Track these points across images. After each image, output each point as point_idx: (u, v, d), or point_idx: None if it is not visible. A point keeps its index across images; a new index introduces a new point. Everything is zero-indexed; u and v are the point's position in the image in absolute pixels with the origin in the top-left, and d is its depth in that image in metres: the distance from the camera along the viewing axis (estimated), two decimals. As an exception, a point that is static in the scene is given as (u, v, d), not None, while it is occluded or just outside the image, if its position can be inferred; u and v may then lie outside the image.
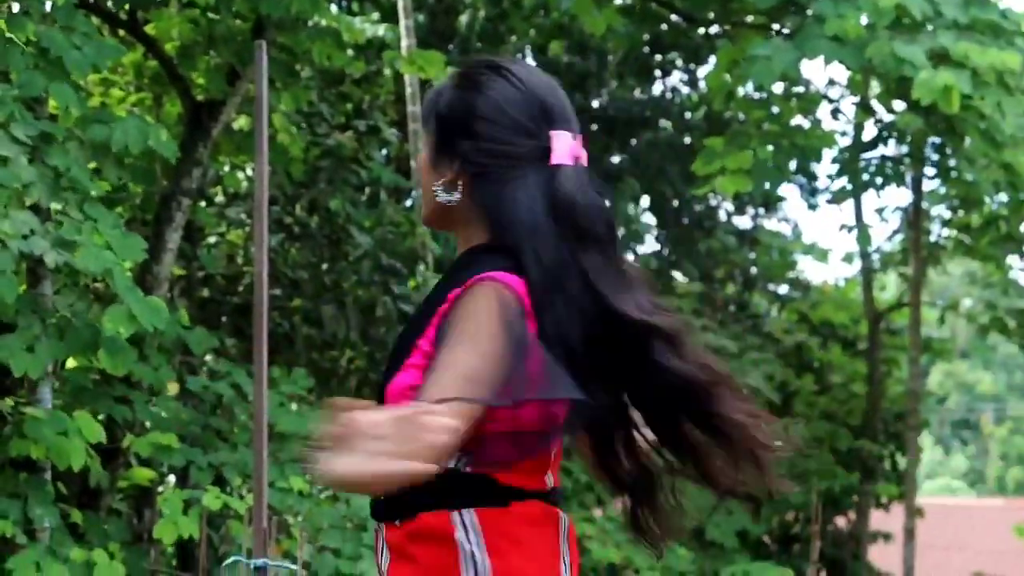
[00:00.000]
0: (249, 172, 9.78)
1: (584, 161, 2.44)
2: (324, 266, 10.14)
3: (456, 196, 2.41)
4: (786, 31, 9.74)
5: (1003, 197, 10.38)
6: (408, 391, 2.27)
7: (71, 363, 6.81)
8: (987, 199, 10.62)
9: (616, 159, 15.00)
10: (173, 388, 7.11)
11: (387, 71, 10.63)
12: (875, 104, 11.58)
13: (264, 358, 4.20)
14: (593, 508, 10.97)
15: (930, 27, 8.58)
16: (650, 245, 15.67)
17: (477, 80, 2.45)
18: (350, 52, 9.24)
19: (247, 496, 6.09)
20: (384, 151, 11.48)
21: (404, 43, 10.49)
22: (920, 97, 8.22)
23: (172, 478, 8.12)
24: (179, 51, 7.94)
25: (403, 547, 2.35)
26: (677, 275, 15.74)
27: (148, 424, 6.95)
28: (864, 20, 8.53)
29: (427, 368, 2.26)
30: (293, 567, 4.68)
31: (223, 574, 6.46)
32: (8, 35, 3.58)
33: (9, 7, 5.86)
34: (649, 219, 15.74)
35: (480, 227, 2.40)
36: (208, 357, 7.97)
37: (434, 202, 2.44)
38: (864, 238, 13.53)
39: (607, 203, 2.47)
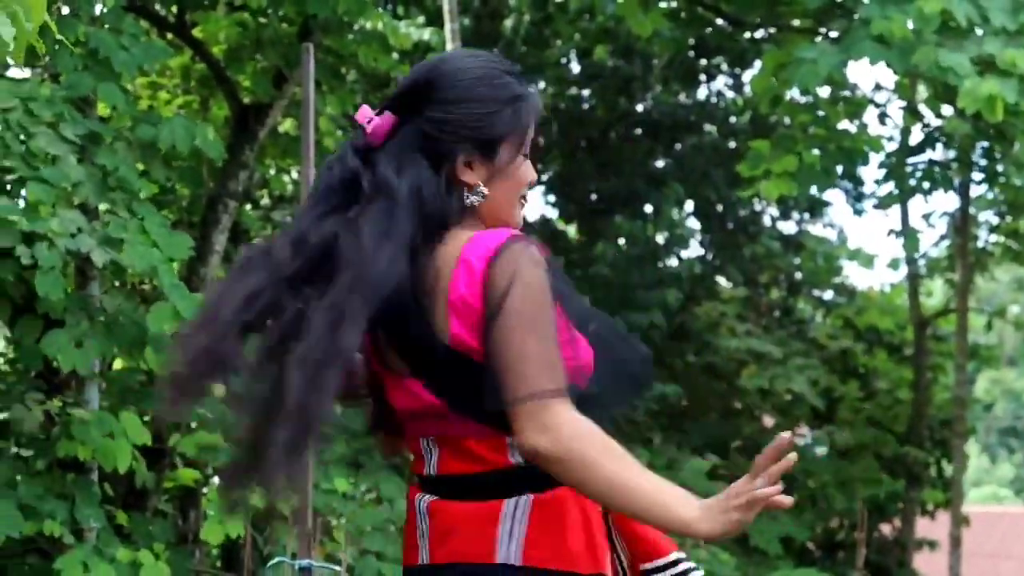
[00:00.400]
0: (295, 175, 9.81)
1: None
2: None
3: None
4: (832, 35, 9.70)
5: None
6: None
7: (118, 364, 6.85)
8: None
9: (660, 163, 14.97)
10: (220, 389, 7.12)
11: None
12: (923, 108, 11.52)
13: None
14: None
15: (979, 31, 8.50)
16: (694, 250, 15.62)
17: None
18: (395, 56, 9.26)
19: (293, 497, 6.11)
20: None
21: (449, 47, 10.49)
22: (965, 106, 8.15)
23: (217, 479, 8.15)
24: (226, 54, 7.98)
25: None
26: (721, 280, 15.69)
27: (193, 424, 6.98)
28: (910, 24, 8.48)
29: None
30: (337, 568, 4.69)
31: (267, 575, 6.48)
32: (58, 36, 3.60)
33: (59, 9, 5.91)
34: (693, 224, 15.70)
35: None
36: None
37: None
38: (912, 243, 13.46)
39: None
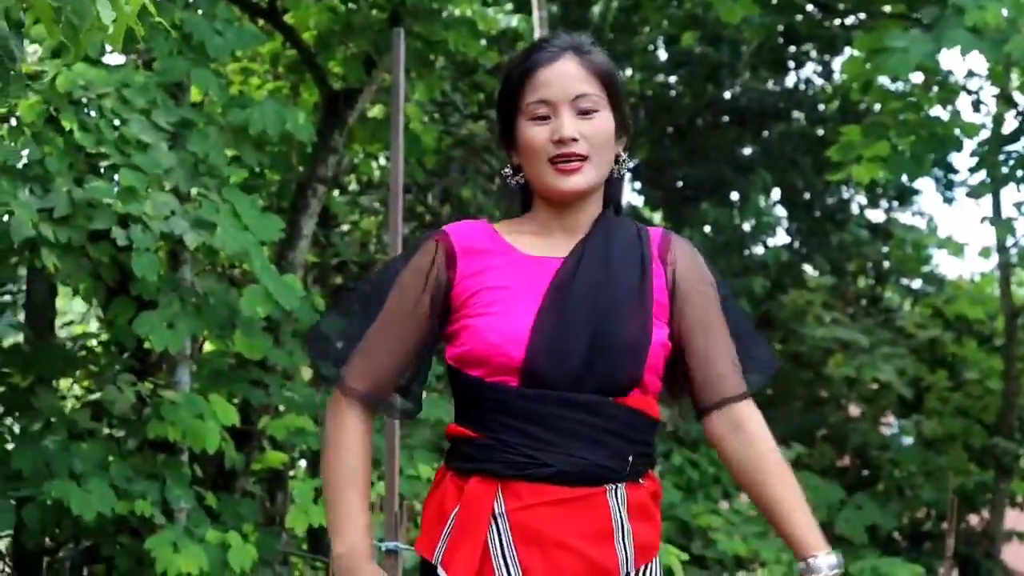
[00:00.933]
0: (383, 161, 9.87)
1: None
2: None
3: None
4: (925, 21, 9.57)
5: None
6: (661, 349, 2.55)
7: (208, 347, 6.93)
8: None
9: (748, 151, 14.88)
10: (307, 374, 7.19)
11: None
12: (1016, 96, 11.34)
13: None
14: (720, 500, 10.91)
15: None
16: (781, 238, 15.51)
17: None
18: (483, 42, 9.28)
19: (377, 483, 6.14)
20: (516, 141, 11.51)
21: (537, 33, 10.49)
22: None
23: (303, 462, 8.23)
24: (317, 40, 8.04)
25: (646, 507, 2.54)
26: (808, 268, 15.57)
27: (282, 408, 7.05)
28: (1004, 13, 8.34)
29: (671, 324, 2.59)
30: (423, 552, 4.72)
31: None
32: (156, 19, 3.64)
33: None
34: (780, 211, 15.58)
35: (601, 193, 2.63)
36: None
37: (605, 172, 2.61)
38: (1004, 230, 13.26)
39: None
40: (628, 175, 14.52)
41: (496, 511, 2.45)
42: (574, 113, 2.53)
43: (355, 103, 7.87)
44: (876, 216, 16.20)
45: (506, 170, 2.63)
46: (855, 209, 15.85)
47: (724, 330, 2.60)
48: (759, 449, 2.57)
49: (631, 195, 15.37)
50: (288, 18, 8.02)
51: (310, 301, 6.53)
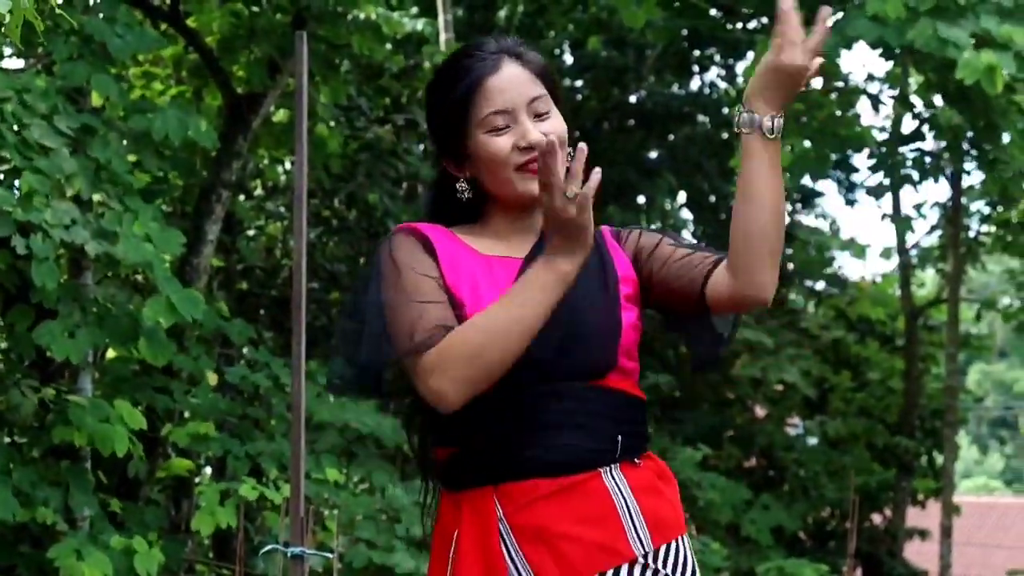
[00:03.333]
0: (288, 165, 9.83)
1: None
2: (362, 259, 10.17)
3: None
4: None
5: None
6: (633, 331, 2.52)
7: (111, 354, 6.87)
8: (1025, 196, 10.55)
9: (653, 154, 14.99)
10: (213, 379, 7.15)
11: (426, 64, 10.66)
12: (914, 99, 11.54)
13: (302, 346, 4.23)
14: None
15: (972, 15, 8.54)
16: (687, 240, 15.65)
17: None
18: (389, 46, 9.27)
19: (283, 487, 6.12)
20: (422, 145, 11.51)
21: (443, 37, 10.52)
22: (964, 77, 8.15)
23: (209, 470, 8.18)
24: (220, 44, 7.99)
25: (653, 485, 2.49)
26: (714, 270, 15.71)
27: (187, 414, 7.00)
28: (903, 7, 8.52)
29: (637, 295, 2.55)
30: (329, 556, 4.71)
31: (260, 563, 6.51)
32: (58, 12, 3.60)
33: (54, -2, 5.92)
34: (686, 214, 15.72)
35: None
36: (246, 349, 8.02)
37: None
38: (903, 228, 13.46)
39: None
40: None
41: (498, 518, 2.41)
42: (531, 117, 2.52)
43: (259, 107, 7.84)
44: (780, 218, 16.37)
45: (460, 184, 2.56)
46: (759, 212, 16.00)
47: (679, 243, 2.62)
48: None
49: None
50: (190, 22, 7.97)
51: (214, 307, 6.50)
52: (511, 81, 2.52)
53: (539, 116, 2.53)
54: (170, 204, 8.13)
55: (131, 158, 6.18)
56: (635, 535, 2.41)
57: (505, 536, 2.40)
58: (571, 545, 2.38)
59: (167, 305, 5.65)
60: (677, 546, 2.47)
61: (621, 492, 2.43)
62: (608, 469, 2.43)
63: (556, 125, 2.54)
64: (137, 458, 6.15)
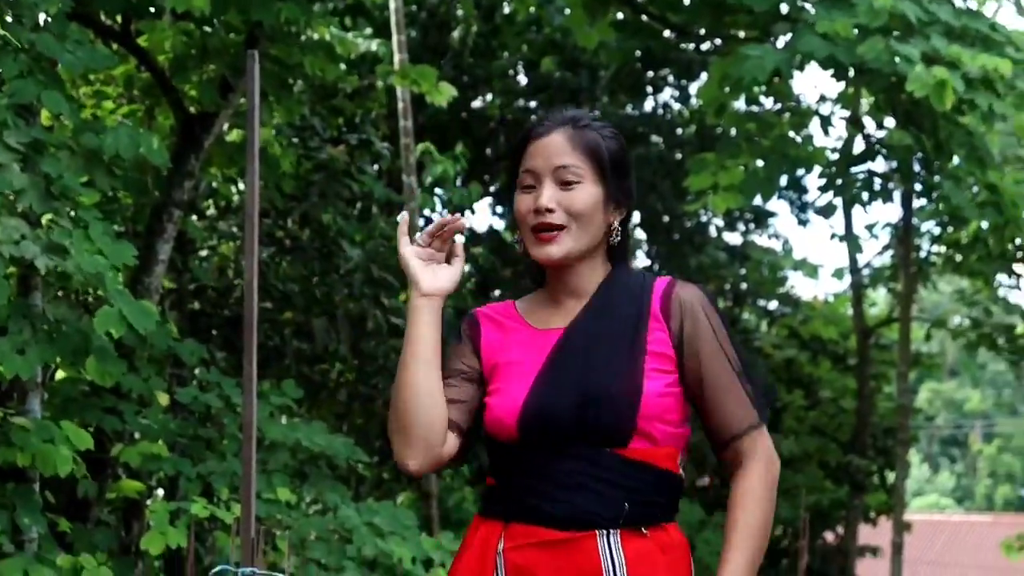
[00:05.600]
0: (241, 185, 9.79)
1: None
2: (315, 279, 10.15)
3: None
4: (779, 45, 9.79)
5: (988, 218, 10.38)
6: (660, 399, 2.63)
7: (60, 375, 6.81)
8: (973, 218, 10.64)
9: (607, 174, 15.01)
10: (164, 400, 7.11)
11: (379, 83, 10.67)
12: (865, 120, 11.63)
13: (254, 366, 4.21)
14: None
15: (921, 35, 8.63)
16: (641, 260, 15.69)
17: (617, 134, 2.79)
18: (343, 66, 9.26)
19: (234, 507, 6.09)
20: (376, 165, 11.51)
21: (397, 58, 10.52)
22: (914, 90, 8.22)
23: (160, 492, 8.12)
24: (172, 63, 7.96)
25: (651, 557, 2.61)
26: (667, 290, 15.74)
27: (137, 435, 6.96)
28: (855, 28, 8.59)
29: (673, 372, 2.67)
30: (280, 577, 4.69)
31: (211, 584, 6.46)
32: (2, 37, 3.58)
33: (3, 15, 5.88)
34: (640, 234, 15.77)
35: (602, 257, 2.77)
36: (197, 370, 7.98)
37: (593, 239, 2.72)
38: (854, 249, 13.55)
39: None
40: (489, 200, 14.59)
41: (498, 549, 2.61)
42: (556, 184, 2.68)
43: (211, 127, 7.81)
44: (733, 239, 16.47)
45: (515, 239, 2.81)
46: (713, 232, 16.10)
47: (728, 375, 2.69)
48: (742, 484, 2.68)
49: (492, 219, 15.44)
50: (142, 41, 7.93)
51: (166, 327, 6.46)
52: (547, 146, 2.70)
53: (565, 184, 2.69)
54: (121, 223, 8.08)
55: (83, 179, 6.14)
56: None
57: (499, 567, 2.61)
58: None
59: (118, 316, 5.60)
60: None
61: (612, 556, 2.56)
62: (606, 533, 2.57)
63: (578, 196, 2.68)
64: (82, 478, 6.10)
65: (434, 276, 2.71)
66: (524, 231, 2.72)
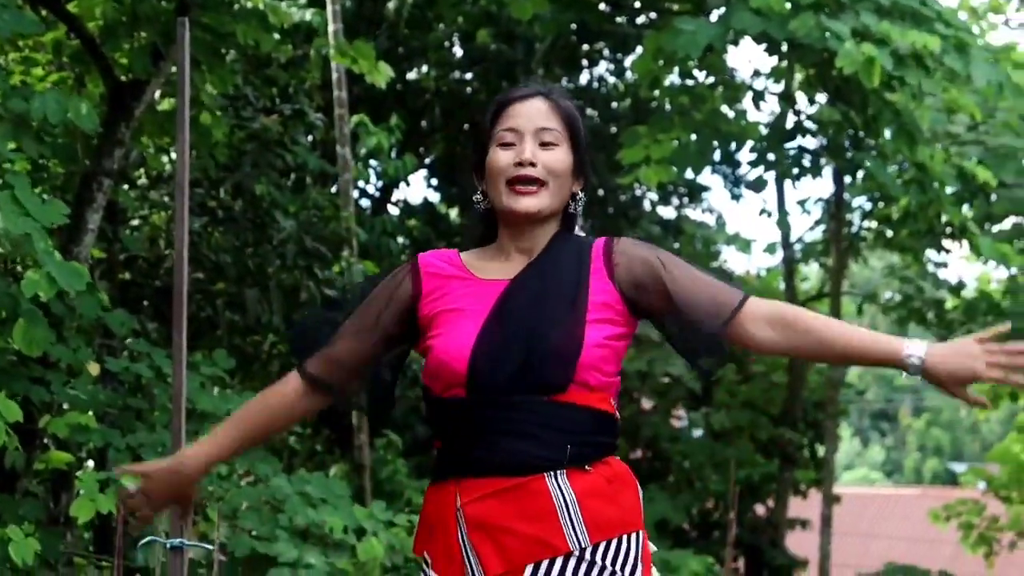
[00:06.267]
0: (174, 155, 9.70)
1: None
2: (248, 250, 10.08)
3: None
4: (712, 20, 9.82)
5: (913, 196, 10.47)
6: (598, 349, 2.80)
7: (-12, 345, 6.73)
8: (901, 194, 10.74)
9: (542, 147, 15.00)
10: (94, 370, 7.04)
11: (313, 54, 10.59)
12: (798, 96, 11.69)
13: (183, 335, 4.18)
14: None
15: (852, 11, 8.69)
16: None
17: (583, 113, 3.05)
18: (276, 36, 9.18)
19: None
20: (310, 136, 11.44)
21: (331, 28, 10.45)
22: (844, 67, 8.29)
23: (91, 463, 8.06)
24: (102, 30, 7.86)
25: (600, 489, 2.80)
26: (602, 264, 15.77)
27: (66, 406, 6.89)
28: (788, 4, 8.63)
29: (615, 320, 2.86)
30: (210, 547, 4.67)
31: (140, 555, 6.43)
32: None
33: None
34: (575, 208, 15.77)
35: (556, 221, 2.96)
36: (128, 340, 7.92)
37: (562, 202, 2.94)
38: (783, 225, 13.64)
39: None
40: (424, 172, 14.56)
41: (456, 506, 2.78)
42: (536, 143, 2.89)
43: (142, 95, 7.72)
44: (668, 213, 16.52)
45: (476, 196, 2.96)
46: (647, 206, 16.13)
47: (697, 278, 2.93)
48: (788, 319, 2.87)
49: (427, 191, 15.40)
50: (72, 7, 7.83)
51: (95, 296, 6.40)
52: (529, 109, 2.92)
53: (544, 145, 2.90)
54: (51, 192, 7.98)
55: (11, 145, 6.06)
56: (572, 532, 2.75)
57: (460, 523, 2.78)
58: (509, 537, 2.74)
59: (47, 278, 5.53)
60: (620, 542, 2.80)
61: (563, 494, 2.76)
62: (553, 474, 2.76)
63: (558, 157, 2.90)
64: (12, 449, 6.04)
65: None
66: (498, 184, 2.89)
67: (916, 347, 2.76)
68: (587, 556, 2.75)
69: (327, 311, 3.12)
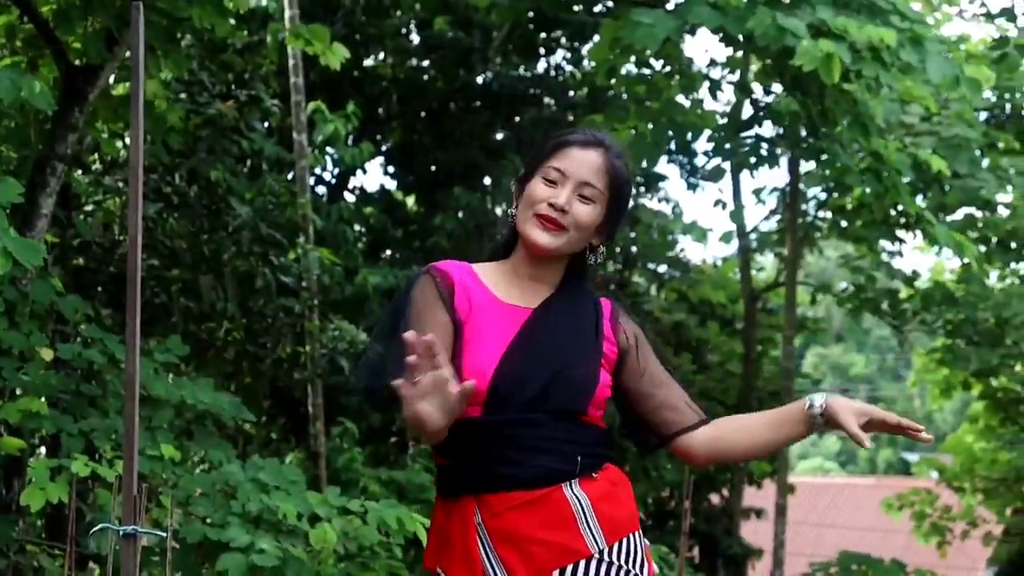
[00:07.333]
0: (128, 140, 9.64)
1: None
2: (203, 237, 10.04)
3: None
4: (669, 8, 9.83)
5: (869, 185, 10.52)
6: (605, 389, 3.11)
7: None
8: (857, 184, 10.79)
9: (500, 136, 15.02)
10: (47, 356, 6.99)
11: (268, 39, 10.54)
12: (754, 86, 11.73)
13: (137, 321, 4.15)
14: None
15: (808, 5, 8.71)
16: (532, 222, 15.70)
17: (633, 179, 3.27)
18: (232, 21, 9.13)
19: (117, 464, 6.01)
20: (266, 122, 11.39)
21: (287, 14, 10.42)
22: (802, 64, 8.32)
23: (43, 449, 8.00)
24: (55, 14, 7.80)
25: (608, 492, 3.03)
26: (558, 253, 15.77)
27: (18, 392, 6.84)
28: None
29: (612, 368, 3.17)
30: (162, 534, 4.65)
31: (92, 542, 6.39)
32: None
33: None
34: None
35: (566, 261, 3.17)
36: (82, 326, 7.87)
37: (575, 247, 3.13)
38: (738, 215, 13.68)
39: None
40: (380, 159, 14.51)
41: (476, 522, 2.94)
42: (575, 193, 3.06)
43: (96, 80, 7.67)
44: (624, 202, 16.50)
45: (510, 211, 3.16)
46: (604, 195, 16.11)
47: (671, 380, 3.24)
48: (721, 427, 3.26)
49: (384, 179, 15.37)
50: (26, -10, 7.77)
51: (49, 282, 6.35)
52: (584, 158, 3.08)
53: (583, 198, 3.07)
54: (3, 176, 7.91)
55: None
56: (591, 536, 2.97)
57: (482, 537, 2.94)
58: (537, 547, 2.93)
59: (3, 253, 5.47)
60: (629, 540, 3.04)
61: (579, 501, 2.98)
62: (569, 484, 2.98)
63: (588, 212, 3.08)
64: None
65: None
66: (528, 211, 3.07)
67: (818, 397, 3.19)
68: (606, 557, 2.97)
69: (377, 350, 3.08)
